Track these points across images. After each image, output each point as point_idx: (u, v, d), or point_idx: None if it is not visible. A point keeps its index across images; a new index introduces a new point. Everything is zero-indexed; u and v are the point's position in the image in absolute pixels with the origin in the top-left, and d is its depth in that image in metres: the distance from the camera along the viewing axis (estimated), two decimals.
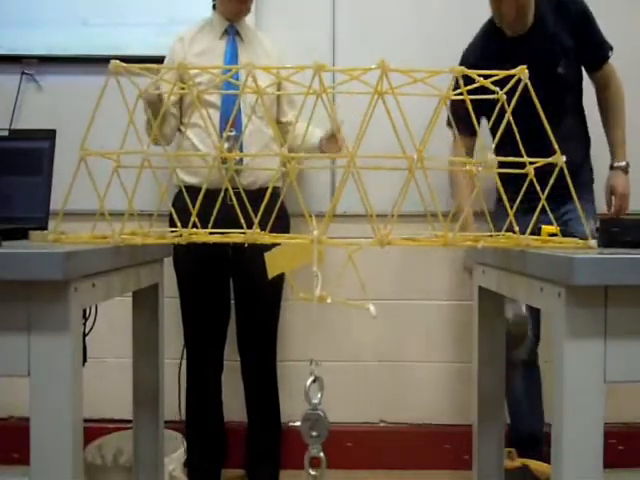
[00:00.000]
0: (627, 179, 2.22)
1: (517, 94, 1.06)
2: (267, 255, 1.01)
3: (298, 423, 1.00)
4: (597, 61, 2.24)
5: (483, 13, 2.61)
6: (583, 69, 2.28)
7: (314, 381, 1.00)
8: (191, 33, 2.31)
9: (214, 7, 2.35)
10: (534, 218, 1.08)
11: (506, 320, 1.93)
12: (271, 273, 1.00)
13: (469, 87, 1.05)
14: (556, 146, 1.03)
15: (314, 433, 1.00)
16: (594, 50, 2.23)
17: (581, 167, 2.26)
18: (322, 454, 1.00)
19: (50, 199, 1.48)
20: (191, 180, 2.19)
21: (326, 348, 2.67)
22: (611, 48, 2.24)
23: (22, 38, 2.59)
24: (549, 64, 2.18)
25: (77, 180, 1.03)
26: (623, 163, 2.22)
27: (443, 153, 2.29)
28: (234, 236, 1.10)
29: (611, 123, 2.25)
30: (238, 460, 2.46)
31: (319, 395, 1.00)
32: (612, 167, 2.23)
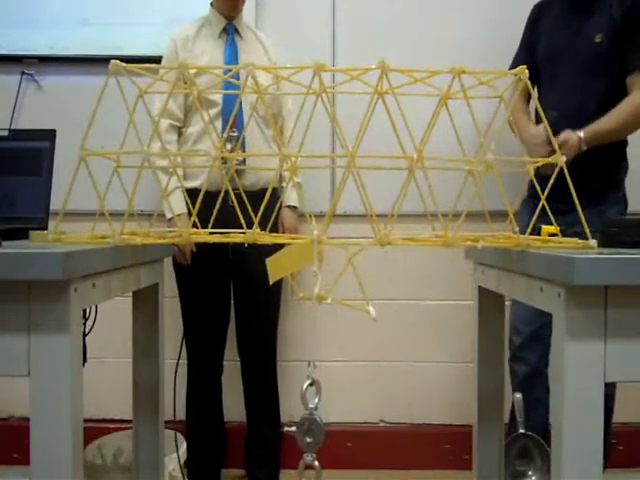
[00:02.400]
0: (576, 143, 2.03)
1: (517, 93, 1.06)
2: (268, 261, 1.01)
3: (294, 428, 0.98)
4: (629, 63, 2.12)
5: (483, 13, 2.61)
6: None
7: (311, 384, 0.98)
8: (189, 32, 2.30)
9: (211, 4, 2.35)
10: (533, 217, 1.08)
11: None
12: (273, 278, 1.00)
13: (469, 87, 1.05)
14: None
15: (309, 439, 0.98)
16: (629, 50, 2.12)
17: (609, 163, 2.16)
18: (317, 463, 0.97)
19: (50, 199, 1.48)
20: (191, 184, 2.19)
21: (326, 348, 2.67)
22: None
23: (22, 38, 2.59)
24: (589, 31, 2.14)
25: (77, 180, 1.03)
26: (581, 133, 2.05)
27: (443, 153, 2.29)
28: (234, 236, 1.10)
29: (606, 117, 2.10)
30: (238, 460, 2.47)
31: (316, 400, 0.98)
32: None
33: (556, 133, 2.03)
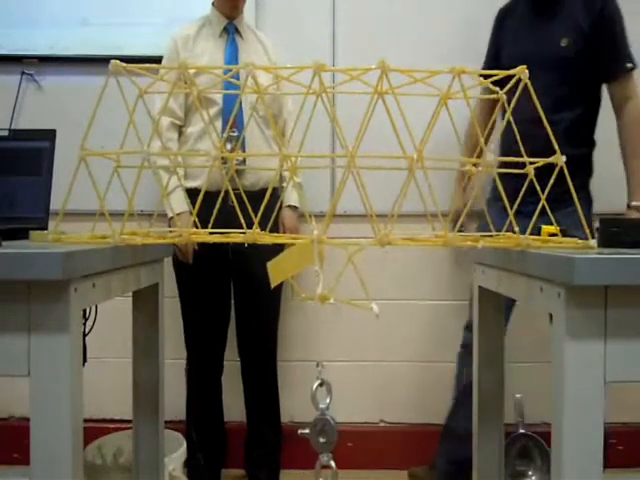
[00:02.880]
0: None
1: (517, 94, 1.06)
2: (269, 265, 1.00)
3: (307, 430, 0.98)
4: (608, 71, 2.10)
5: (483, 13, 2.61)
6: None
7: (321, 385, 0.98)
8: (189, 31, 2.30)
9: (213, 4, 2.35)
10: (533, 220, 1.08)
11: None
12: (274, 282, 1.00)
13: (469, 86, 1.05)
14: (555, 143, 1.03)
15: (322, 440, 0.98)
16: (607, 57, 2.09)
17: (577, 165, 2.10)
18: (333, 462, 0.98)
19: (50, 199, 1.48)
20: (192, 184, 2.19)
21: (326, 348, 2.67)
22: (633, 64, 2.08)
23: (22, 38, 2.59)
24: (554, 34, 2.11)
25: (77, 180, 1.03)
26: (634, 202, 2.01)
27: (443, 153, 2.29)
28: (234, 236, 1.10)
29: (627, 153, 2.06)
30: (238, 460, 2.46)
31: (327, 400, 0.98)
32: (628, 206, 2.04)
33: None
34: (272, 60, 2.34)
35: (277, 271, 1.00)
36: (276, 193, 2.31)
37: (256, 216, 1.04)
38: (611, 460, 2.17)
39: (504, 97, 1.10)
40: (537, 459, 2.28)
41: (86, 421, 1.03)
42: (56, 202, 1.31)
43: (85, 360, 1.21)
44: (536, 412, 2.40)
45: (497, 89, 1.11)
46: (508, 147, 2.03)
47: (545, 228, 1.20)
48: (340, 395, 2.63)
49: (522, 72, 1.04)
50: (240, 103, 2.17)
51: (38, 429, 0.94)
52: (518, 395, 2.24)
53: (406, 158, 0.97)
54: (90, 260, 0.99)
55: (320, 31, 2.62)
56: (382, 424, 2.70)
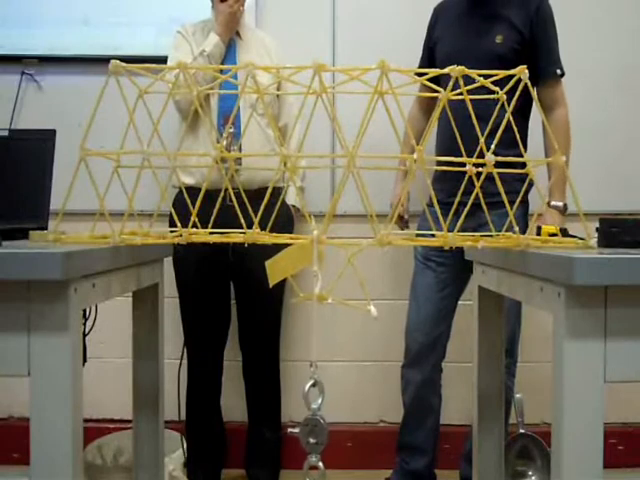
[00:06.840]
0: (563, 220, 1.94)
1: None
2: (267, 263, 1.00)
3: (297, 429, 0.97)
4: (540, 73, 2.05)
5: None
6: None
7: (313, 385, 0.97)
8: (191, 29, 2.32)
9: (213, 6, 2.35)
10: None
11: None
12: (272, 280, 1.00)
13: (469, 87, 1.05)
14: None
15: (312, 440, 0.97)
16: (541, 59, 2.07)
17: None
18: (321, 464, 0.97)
19: (50, 199, 1.48)
20: (187, 180, 2.20)
21: (326, 348, 2.67)
22: (562, 71, 2.09)
23: (22, 38, 2.59)
24: (489, 31, 2.09)
25: (77, 180, 1.03)
26: (560, 204, 1.99)
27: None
28: (234, 236, 1.10)
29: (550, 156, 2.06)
30: (238, 460, 2.46)
31: (319, 400, 0.97)
32: (548, 204, 2.01)
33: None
34: (274, 61, 2.33)
35: (275, 270, 1.00)
36: (276, 193, 2.31)
37: (256, 216, 1.04)
38: (611, 460, 2.18)
39: (504, 97, 1.10)
40: (537, 459, 2.28)
41: (86, 421, 1.03)
42: (56, 202, 1.31)
43: (85, 360, 1.22)
44: (536, 412, 2.40)
45: (497, 89, 1.11)
46: (444, 145, 1.97)
47: (545, 228, 1.20)
48: (340, 395, 2.63)
49: (522, 72, 1.04)
50: (238, 104, 2.16)
51: (38, 429, 0.94)
52: (518, 395, 2.24)
53: (406, 158, 0.97)
54: (90, 260, 0.99)
55: (320, 31, 2.62)
56: (382, 424, 2.70)
